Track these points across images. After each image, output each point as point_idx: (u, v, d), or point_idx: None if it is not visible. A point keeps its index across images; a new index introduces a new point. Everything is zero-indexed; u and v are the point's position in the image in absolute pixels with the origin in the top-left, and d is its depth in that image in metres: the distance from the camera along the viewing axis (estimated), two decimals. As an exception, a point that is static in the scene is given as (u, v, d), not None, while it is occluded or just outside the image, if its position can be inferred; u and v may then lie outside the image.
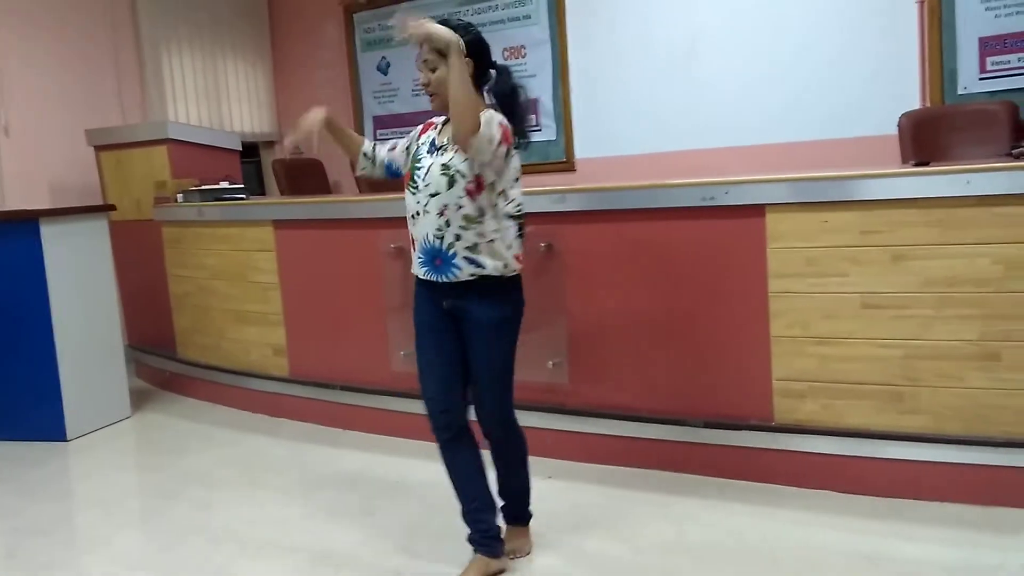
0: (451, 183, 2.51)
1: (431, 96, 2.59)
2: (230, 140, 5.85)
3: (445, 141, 2.60)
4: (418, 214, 2.57)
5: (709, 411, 3.29)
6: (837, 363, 3.04)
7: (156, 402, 5.01)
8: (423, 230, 2.56)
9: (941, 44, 4.75)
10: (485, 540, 2.68)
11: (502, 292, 2.63)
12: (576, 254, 3.52)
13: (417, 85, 6.59)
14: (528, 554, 2.79)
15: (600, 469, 3.45)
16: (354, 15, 6.92)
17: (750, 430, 3.20)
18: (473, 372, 2.65)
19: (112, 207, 4.79)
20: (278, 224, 4.36)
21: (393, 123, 6.79)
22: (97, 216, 4.58)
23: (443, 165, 2.53)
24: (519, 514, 2.83)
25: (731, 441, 3.24)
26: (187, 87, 6.55)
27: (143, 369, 5.53)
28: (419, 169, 2.59)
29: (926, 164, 3.16)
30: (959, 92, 4.75)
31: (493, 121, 2.48)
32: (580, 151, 6.04)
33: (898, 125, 4.37)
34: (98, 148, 5.57)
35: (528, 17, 6.11)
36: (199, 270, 4.82)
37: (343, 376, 4.20)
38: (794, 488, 3.12)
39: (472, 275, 2.55)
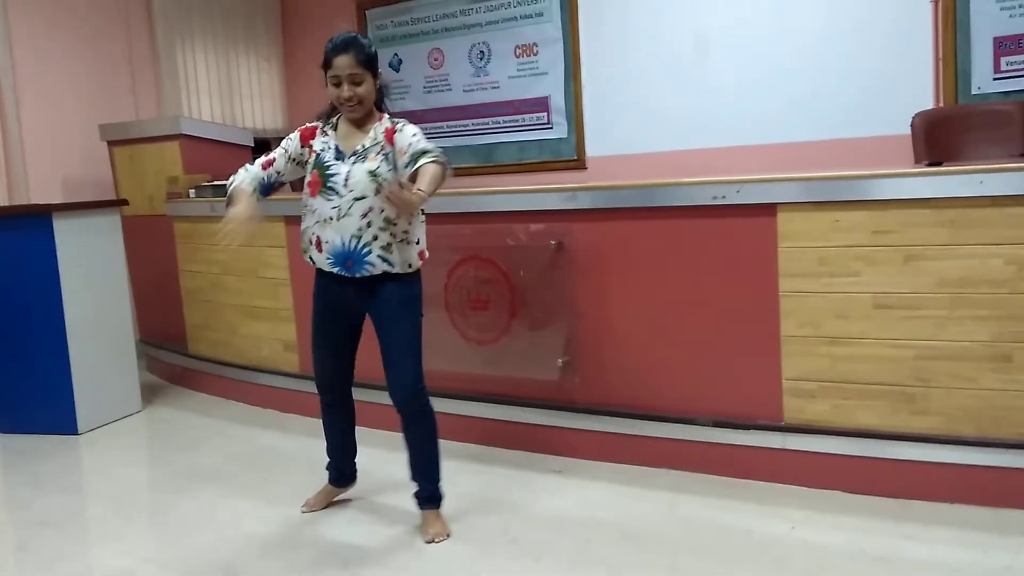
0: (378, 189, 2.76)
1: (353, 107, 2.82)
2: (242, 136, 5.86)
3: (361, 148, 2.84)
4: (333, 218, 2.80)
5: (718, 410, 3.28)
6: (848, 363, 3.03)
7: (167, 397, 5.03)
8: (339, 233, 2.80)
9: (955, 43, 4.72)
10: (338, 476, 3.27)
11: (407, 279, 2.90)
12: (586, 252, 3.51)
13: (429, 82, 6.64)
14: (448, 536, 2.89)
15: (608, 467, 3.45)
16: (366, 12, 6.93)
17: (759, 430, 3.19)
18: (387, 349, 2.89)
19: (124, 202, 4.82)
20: (289, 220, 4.36)
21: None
22: (110, 211, 4.59)
23: (370, 172, 2.79)
24: (432, 495, 3.00)
25: (740, 441, 3.23)
26: (200, 83, 6.57)
27: (154, 364, 5.55)
28: (334, 176, 2.81)
29: (939, 164, 3.14)
30: (973, 92, 4.72)
31: (428, 145, 2.75)
32: (591, 149, 6.04)
33: (911, 125, 4.34)
34: (111, 143, 5.59)
35: (541, 15, 6.11)
36: (210, 265, 4.83)
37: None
38: (803, 488, 3.11)
39: (383, 271, 2.83)
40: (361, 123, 2.89)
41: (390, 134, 2.86)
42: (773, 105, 5.29)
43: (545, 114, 6.19)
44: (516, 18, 6.21)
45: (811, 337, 3.09)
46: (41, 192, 5.32)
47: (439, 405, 3.81)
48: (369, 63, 2.81)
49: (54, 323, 4.26)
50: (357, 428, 3.27)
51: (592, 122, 6.03)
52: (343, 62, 2.77)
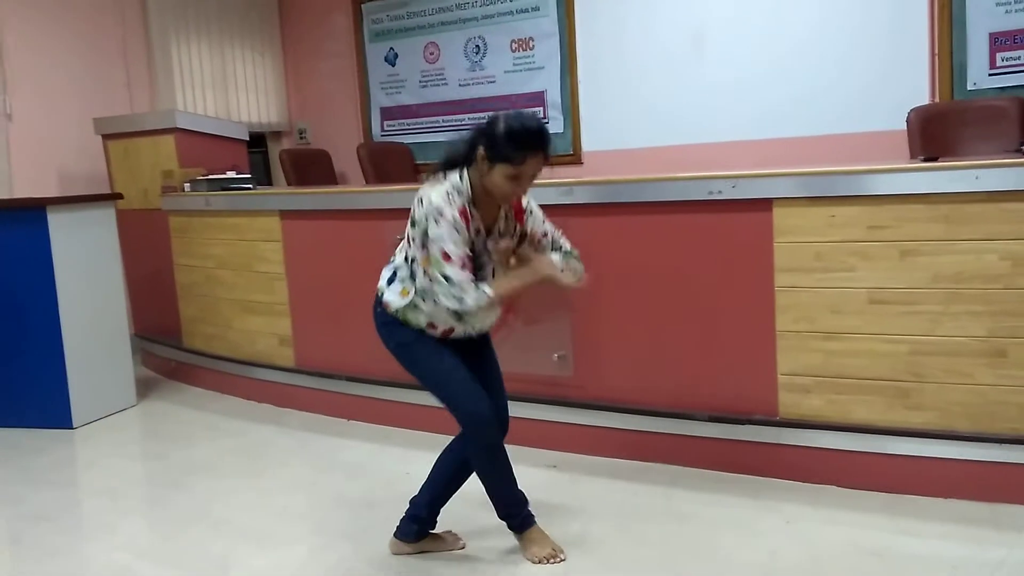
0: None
1: (513, 197, 2.56)
2: (238, 130, 5.86)
3: (497, 230, 2.62)
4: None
5: (714, 405, 3.28)
6: (843, 358, 3.03)
7: (162, 391, 5.02)
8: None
9: (951, 39, 4.72)
10: (530, 514, 2.76)
11: None
12: (582, 247, 3.48)
13: (425, 76, 6.63)
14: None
15: (604, 462, 3.45)
16: (362, 6, 6.91)
17: (755, 424, 3.20)
18: (496, 382, 2.79)
19: (119, 196, 4.79)
20: (285, 214, 4.36)
21: (400, 114, 6.78)
22: (104, 205, 4.58)
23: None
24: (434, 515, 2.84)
25: (736, 435, 3.23)
26: (195, 76, 6.54)
27: (149, 358, 5.54)
28: (480, 260, 2.57)
29: (935, 159, 3.14)
30: (969, 88, 4.72)
31: (565, 241, 2.91)
32: (587, 144, 6.03)
33: (907, 120, 4.34)
34: (106, 137, 5.58)
35: (537, 9, 6.09)
36: (205, 259, 4.82)
37: (349, 366, 4.20)
38: (798, 483, 3.11)
39: None
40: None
41: (519, 213, 2.67)
42: (769, 100, 5.28)
43: (541, 109, 6.17)
44: (512, 12, 6.20)
45: (806, 332, 3.09)
46: (35, 185, 5.29)
47: (432, 399, 3.83)
48: None
49: (48, 317, 4.25)
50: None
51: (588, 117, 6.01)
52: (537, 161, 2.44)
